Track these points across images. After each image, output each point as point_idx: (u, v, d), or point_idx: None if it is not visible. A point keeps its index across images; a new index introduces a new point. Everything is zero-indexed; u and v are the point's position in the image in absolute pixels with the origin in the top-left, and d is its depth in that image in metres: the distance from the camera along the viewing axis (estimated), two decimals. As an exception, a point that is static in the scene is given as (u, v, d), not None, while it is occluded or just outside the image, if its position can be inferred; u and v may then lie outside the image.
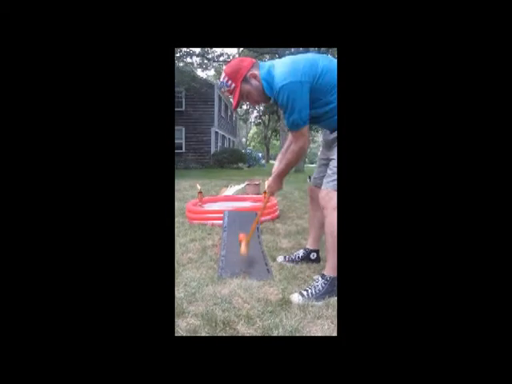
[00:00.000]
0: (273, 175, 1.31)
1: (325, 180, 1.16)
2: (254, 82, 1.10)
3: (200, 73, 13.60)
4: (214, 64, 12.97)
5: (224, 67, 1.14)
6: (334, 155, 1.15)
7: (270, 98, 1.13)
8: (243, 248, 1.34)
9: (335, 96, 1.06)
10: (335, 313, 0.97)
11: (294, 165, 1.23)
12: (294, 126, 1.09)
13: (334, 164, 1.14)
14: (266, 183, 1.35)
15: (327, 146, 1.28)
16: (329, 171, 1.16)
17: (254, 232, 1.49)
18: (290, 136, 1.26)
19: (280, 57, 1.33)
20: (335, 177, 1.10)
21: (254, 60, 1.12)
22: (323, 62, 1.06)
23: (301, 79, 1.01)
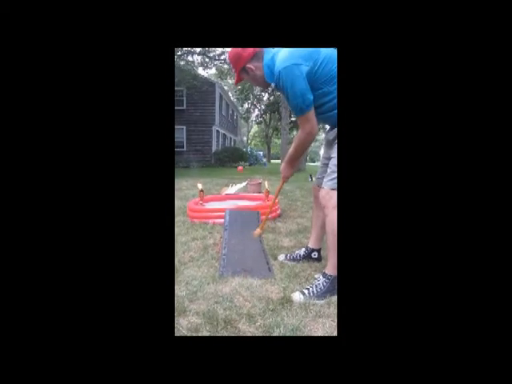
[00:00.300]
0: (284, 161, 1.35)
1: (325, 179, 1.16)
2: (251, 73, 1.14)
3: (201, 71, 13.55)
4: (215, 62, 12.94)
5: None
6: (334, 153, 1.15)
7: (269, 85, 1.16)
8: (258, 230, 1.58)
9: (335, 87, 1.06)
10: (336, 311, 0.97)
11: (302, 150, 1.24)
12: (298, 111, 1.08)
13: (333, 162, 1.13)
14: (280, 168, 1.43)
15: (329, 144, 1.28)
16: (328, 170, 1.16)
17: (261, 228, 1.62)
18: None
19: None
20: (335, 175, 1.10)
21: (256, 50, 1.12)
22: (326, 50, 1.07)
23: (300, 62, 1.01)
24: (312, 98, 1.06)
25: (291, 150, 1.26)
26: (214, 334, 0.85)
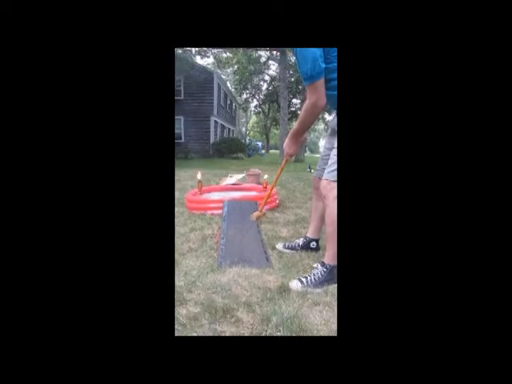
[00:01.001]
0: (287, 136, 1.30)
1: (326, 169, 1.15)
2: None
3: (199, 60, 13.32)
4: (213, 51, 12.71)
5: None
6: (336, 144, 1.14)
7: None
8: (257, 213, 1.62)
9: None
10: (334, 300, 0.99)
11: (308, 123, 1.19)
12: (308, 78, 1.03)
13: (335, 153, 1.12)
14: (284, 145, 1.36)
15: (333, 133, 1.26)
16: (330, 161, 1.15)
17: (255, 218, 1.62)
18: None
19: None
20: (336, 166, 1.09)
21: None
22: None
23: None
24: (323, 66, 1.02)
25: (297, 123, 1.22)
26: (213, 323, 0.86)
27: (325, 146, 1.35)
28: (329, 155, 1.20)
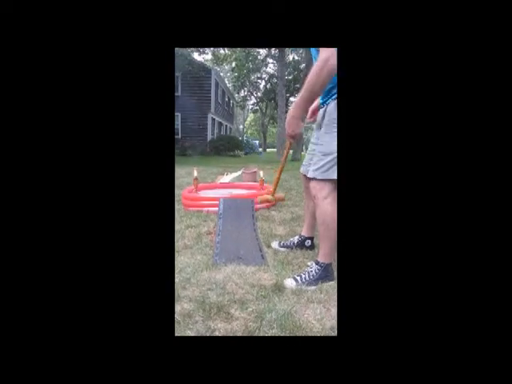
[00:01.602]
0: (290, 111, 1.06)
1: (312, 167, 1.11)
2: None
3: (197, 56, 13.19)
4: (212, 48, 12.62)
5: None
6: (321, 139, 1.10)
7: None
8: (266, 197, 1.58)
9: None
10: (328, 297, 0.99)
11: (318, 86, 0.95)
12: None
13: (319, 149, 1.08)
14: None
15: (318, 126, 1.19)
16: (315, 158, 1.10)
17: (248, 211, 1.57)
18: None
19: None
20: (322, 163, 1.06)
21: None
22: None
23: None
24: None
25: (303, 89, 0.97)
26: (207, 320, 0.87)
27: (311, 140, 1.28)
28: (314, 150, 1.15)
